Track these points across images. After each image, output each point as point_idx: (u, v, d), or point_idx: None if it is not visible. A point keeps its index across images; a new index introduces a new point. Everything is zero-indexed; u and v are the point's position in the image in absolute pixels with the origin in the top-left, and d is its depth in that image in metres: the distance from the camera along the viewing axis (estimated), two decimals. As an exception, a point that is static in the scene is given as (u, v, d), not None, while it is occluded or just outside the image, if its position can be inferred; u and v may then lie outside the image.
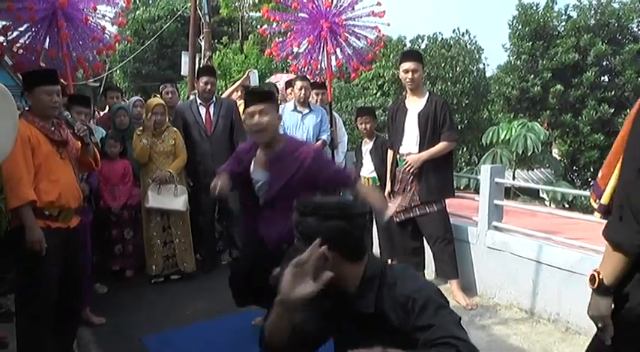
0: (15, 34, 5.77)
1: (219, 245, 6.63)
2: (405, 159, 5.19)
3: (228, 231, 6.29)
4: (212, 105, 6.14)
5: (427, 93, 5.28)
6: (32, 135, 3.50)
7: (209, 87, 6.13)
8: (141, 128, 5.79)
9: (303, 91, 6.33)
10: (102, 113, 7.58)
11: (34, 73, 3.93)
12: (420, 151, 5.12)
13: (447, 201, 5.34)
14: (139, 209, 5.86)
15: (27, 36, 5.79)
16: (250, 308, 5.02)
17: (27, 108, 3.71)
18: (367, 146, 6.26)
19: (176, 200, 5.70)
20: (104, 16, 6.10)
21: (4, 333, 4.10)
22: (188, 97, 7.65)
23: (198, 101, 6.16)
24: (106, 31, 6.18)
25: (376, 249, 6.42)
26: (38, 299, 3.50)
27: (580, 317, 4.38)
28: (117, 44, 6.56)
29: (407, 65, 5.14)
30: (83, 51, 6.09)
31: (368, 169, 6.19)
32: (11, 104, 3.16)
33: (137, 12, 25.78)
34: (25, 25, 5.73)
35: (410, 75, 5.12)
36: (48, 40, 5.80)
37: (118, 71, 26.00)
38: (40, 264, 3.45)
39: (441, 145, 5.08)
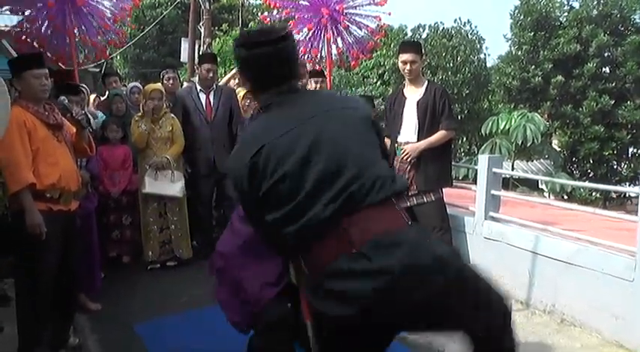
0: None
1: (217, 232, 6.63)
2: (402, 148, 5.17)
3: (226, 218, 6.28)
4: (212, 93, 6.13)
5: (426, 82, 5.25)
6: (27, 120, 3.51)
7: (211, 74, 6.12)
8: (140, 114, 5.78)
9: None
10: (102, 98, 7.56)
11: (20, 58, 3.95)
12: (418, 140, 5.10)
13: (445, 190, 5.33)
14: (138, 195, 5.87)
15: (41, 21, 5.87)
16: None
17: (17, 94, 3.68)
18: (366, 135, 6.23)
19: (173, 186, 5.70)
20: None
21: (-2, 317, 4.12)
22: (182, 84, 7.60)
23: (199, 88, 6.15)
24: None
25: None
26: (37, 284, 3.52)
27: (576, 309, 4.39)
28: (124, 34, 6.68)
29: (405, 56, 5.11)
30: (96, 36, 6.16)
31: (366, 158, 6.17)
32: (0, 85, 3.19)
33: (138, -2, 25.69)
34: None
35: (408, 66, 5.10)
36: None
37: (118, 57, 25.87)
38: (40, 249, 3.47)
39: (439, 134, 5.06)
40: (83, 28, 6.00)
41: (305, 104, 2.25)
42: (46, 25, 5.84)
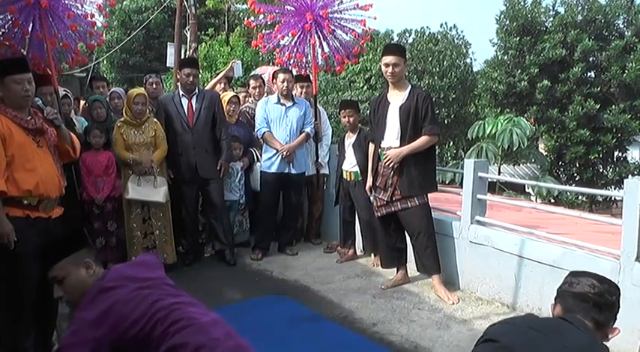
0: None
1: (203, 237, 6.60)
2: (385, 154, 5.16)
3: (211, 224, 6.26)
4: (194, 97, 6.08)
5: (409, 87, 5.24)
6: (3, 126, 3.44)
7: (191, 78, 6.07)
8: (122, 119, 5.74)
9: (285, 84, 6.32)
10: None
11: (2, 63, 3.86)
12: (401, 145, 5.09)
13: (431, 195, 5.32)
14: (122, 201, 5.82)
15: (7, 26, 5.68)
16: (228, 304, 5.05)
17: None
18: (350, 139, 6.24)
19: (156, 191, 5.65)
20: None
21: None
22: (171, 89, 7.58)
23: (181, 93, 6.10)
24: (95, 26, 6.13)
25: (359, 244, 6.42)
26: (17, 291, 3.46)
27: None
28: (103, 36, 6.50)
29: (388, 59, 5.11)
30: (75, 40, 6.01)
31: (350, 163, 6.18)
32: None
33: (124, 2, 25.58)
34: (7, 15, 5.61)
35: (390, 69, 5.09)
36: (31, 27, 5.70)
37: (105, 62, 25.80)
38: (18, 257, 3.41)
39: (422, 139, 5.05)
40: (55, 31, 5.79)
41: None
42: (15, 31, 5.65)
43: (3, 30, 5.65)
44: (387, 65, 5.12)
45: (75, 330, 2.50)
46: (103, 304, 2.54)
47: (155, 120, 5.84)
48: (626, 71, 17.52)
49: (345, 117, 6.25)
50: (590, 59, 18.75)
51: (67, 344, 2.51)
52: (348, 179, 6.22)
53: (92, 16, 5.98)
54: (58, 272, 2.67)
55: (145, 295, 2.63)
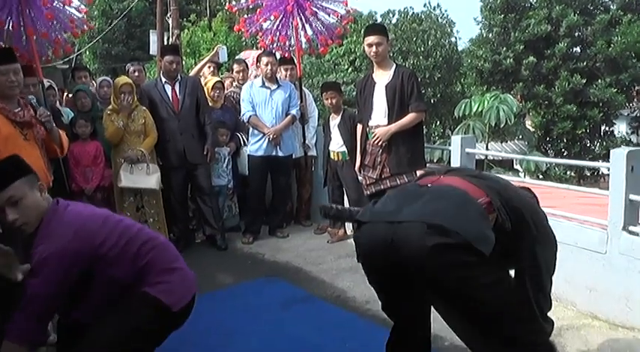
0: None
1: (193, 224, 6.59)
2: (373, 132, 5.16)
3: (201, 209, 6.25)
4: (177, 84, 6.05)
5: (394, 66, 5.24)
6: None
7: (174, 66, 6.04)
8: (110, 107, 5.70)
9: (269, 67, 6.29)
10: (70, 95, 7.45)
11: None
12: (389, 123, 5.09)
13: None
14: (112, 191, 5.80)
15: None
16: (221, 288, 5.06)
17: None
18: (335, 121, 6.25)
19: (149, 178, 5.63)
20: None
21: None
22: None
23: (163, 80, 6.06)
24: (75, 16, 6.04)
25: (349, 224, 6.42)
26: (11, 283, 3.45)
27: (555, 285, 4.42)
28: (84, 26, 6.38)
29: (370, 39, 5.11)
30: (59, 32, 5.94)
31: (337, 143, 6.18)
32: None
33: (104, -9, 25.37)
34: None
35: (374, 48, 5.09)
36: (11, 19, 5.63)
37: (87, 52, 25.59)
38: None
39: (409, 117, 5.06)
40: (33, 21, 5.69)
41: None
42: None
43: None
44: (370, 45, 5.12)
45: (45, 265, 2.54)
46: (71, 224, 2.63)
47: (144, 108, 5.81)
48: (612, 45, 17.58)
49: (327, 99, 6.25)
50: (576, 34, 18.80)
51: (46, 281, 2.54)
52: (336, 159, 6.22)
53: (70, 2, 5.90)
54: (14, 192, 2.59)
55: (106, 215, 2.81)
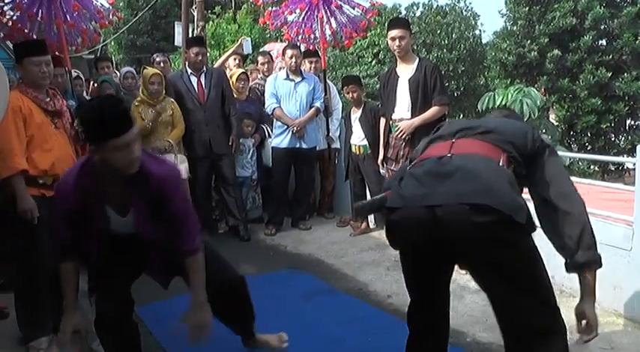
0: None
1: (216, 214, 6.65)
2: (397, 126, 5.18)
3: (224, 199, 6.30)
4: (203, 75, 6.12)
5: (417, 59, 5.26)
6: (24, 106, 3.53)
7: (200, 57, 6.11)
8: (139, 98, 5.76)
9: (293, 59, 6.32)
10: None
11: (22, 45, 3.93)
12: (412, 117, 5.12)
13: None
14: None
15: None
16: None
17: (20, 80, 3.73)
18: (356, 114, 6.27)
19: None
20: None
21: (3, 303, 4.12)
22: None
23: (189, 71, 6.14)
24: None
25: (371, 217, 6.44)
26: (36, 267, 3.54)
27: (575, 280, 4.36)
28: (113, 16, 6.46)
29: (393, 33, 5.14)
30: (86, 22, 6.02)
31: (359, 137, 6.20)
32: (1, 72, 3.23)
33: (130, -17, 25.53)
34: None
35: (397, 42, 5.12)
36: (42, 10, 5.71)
37: (112, 43, 25.77)
38: (35, 233, 3.49)
39: (432, 110, 5.07)
40: (62, 12, 5.76)
41: None
42: (18, 14, 5.64)
43: (7, 16, 5.68)
44: (393, 39, 5.15)
45: None
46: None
47: (172, 100, 5.87)
48: (639, 38, 17.30)
49: (348, 92, 6.28)
50: (602, 27, 18.50)
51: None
52: (357, 153, 6.24)
53: None
54: (136, 130, 2.89)
55: None
